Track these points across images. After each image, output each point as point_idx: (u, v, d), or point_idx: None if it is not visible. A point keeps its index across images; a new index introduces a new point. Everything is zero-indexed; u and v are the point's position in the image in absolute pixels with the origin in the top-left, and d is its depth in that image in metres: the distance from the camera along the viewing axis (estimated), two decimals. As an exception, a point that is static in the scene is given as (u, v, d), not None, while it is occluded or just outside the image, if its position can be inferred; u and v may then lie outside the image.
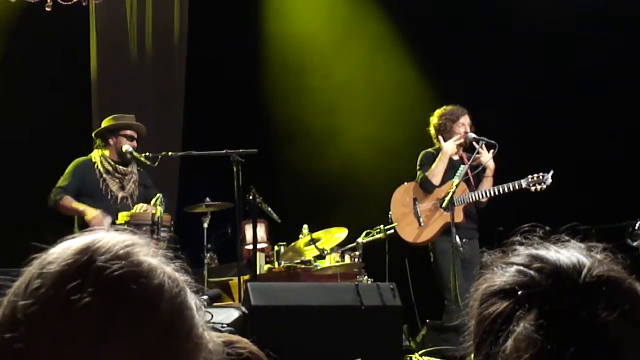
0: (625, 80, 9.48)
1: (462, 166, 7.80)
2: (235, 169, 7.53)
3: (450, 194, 7.43)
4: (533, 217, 1.45)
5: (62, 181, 7.63)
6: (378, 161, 9.79)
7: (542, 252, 1.26)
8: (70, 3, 6.90)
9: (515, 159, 8.35)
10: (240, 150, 7.62)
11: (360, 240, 8.08)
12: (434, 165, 7.88)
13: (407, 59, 10.30)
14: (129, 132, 7.76)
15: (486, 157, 7.79)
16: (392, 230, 7.91)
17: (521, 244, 1.31)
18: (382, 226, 7.95)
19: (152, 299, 1.14)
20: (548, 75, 9.82)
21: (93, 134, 7.89)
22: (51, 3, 6.79)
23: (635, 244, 8.12)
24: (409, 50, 10.29)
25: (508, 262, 1.27)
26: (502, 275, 1.25)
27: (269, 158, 8.53)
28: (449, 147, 7.85)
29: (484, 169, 7.85)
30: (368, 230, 8.07)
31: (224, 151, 7.66)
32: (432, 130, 8.04)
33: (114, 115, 7.94)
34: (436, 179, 7.87)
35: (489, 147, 7.76)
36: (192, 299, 1.20)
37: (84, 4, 6.95)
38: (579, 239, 1.31)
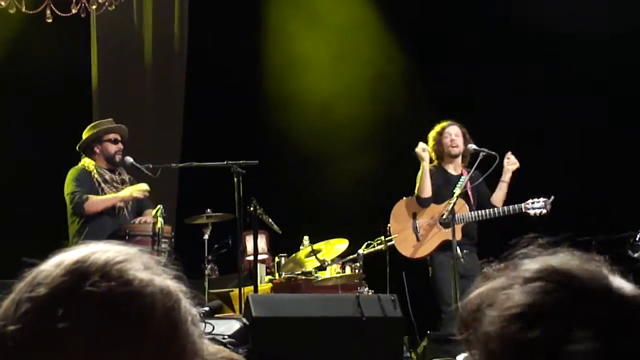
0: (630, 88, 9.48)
1: (462, 177, 7.77)
2: (236, 180, 7.53)
3: (452, 205, 7.38)
4: (532, 229, 1.39)
5: (74, 187, 7.47)
6: (379, 172, 9.77)
7: (555, 263, 1.17)
8: (70, 14, 6.90)
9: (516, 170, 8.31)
10: (241, 162, 7.61)
11: (361, 251, 8.06)
12: (418, 182, 7.79)
13: (410, 69, 10.29)
14: (112, 135, 7.70)
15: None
16: (393, 242, 7.89)
17: (525, 256, 1.22)
18: (382, 237, 7.94)
19: (142, 320, 1.10)
20: (548, 79, 9.79)
21: (77, 147, 7.74)
22: (51, 14, 6.78)
23: (636, 255, 8.10)
24: (413, 60, 10.27)
25: (527, 277, 1.16)
26: (525, 293, 1.14)
27: (270, 169, 8.52)
28: (423, 156, 7.72)
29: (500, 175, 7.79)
30: (369, 242, 8.05)
31: (225, 162, 7.66)
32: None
33: (93, 124, 7.90)
34: (426, 192, 7.77)
35: (490, 159, 7.69)
36: (188, 311, 1.15)
37: (82, 15, 6.94)
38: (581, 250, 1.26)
